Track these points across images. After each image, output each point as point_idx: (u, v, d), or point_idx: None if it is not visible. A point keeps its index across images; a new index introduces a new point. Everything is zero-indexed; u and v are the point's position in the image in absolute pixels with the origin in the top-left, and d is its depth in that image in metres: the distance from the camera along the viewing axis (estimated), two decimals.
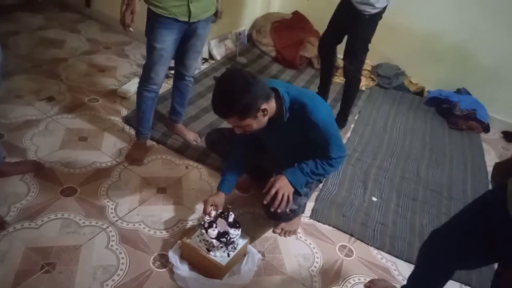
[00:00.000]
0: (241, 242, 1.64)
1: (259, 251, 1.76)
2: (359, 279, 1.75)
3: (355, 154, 2.57)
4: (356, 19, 2.37)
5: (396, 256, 1.90)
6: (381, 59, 3.59)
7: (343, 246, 1.91)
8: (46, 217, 1.74)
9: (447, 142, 2.95)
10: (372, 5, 2.30)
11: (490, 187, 1.32)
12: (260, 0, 3.91)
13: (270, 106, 1.51)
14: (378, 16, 2.40)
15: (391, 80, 3.48)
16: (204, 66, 3.32)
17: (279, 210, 1.58)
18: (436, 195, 2.36)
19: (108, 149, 2.21)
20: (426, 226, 2.10)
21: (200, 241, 1.59)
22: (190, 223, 1.87)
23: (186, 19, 1.84)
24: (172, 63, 2.12)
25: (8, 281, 1.45)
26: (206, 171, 2.21)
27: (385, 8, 2.40)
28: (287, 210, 1.62)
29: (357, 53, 2.54)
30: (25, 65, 2.81)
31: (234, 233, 1.57)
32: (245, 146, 1.81)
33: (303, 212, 1.91)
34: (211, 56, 3.47)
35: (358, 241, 1.95)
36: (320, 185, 2.19)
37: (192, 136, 2.37)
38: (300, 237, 1.91)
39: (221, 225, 1.58)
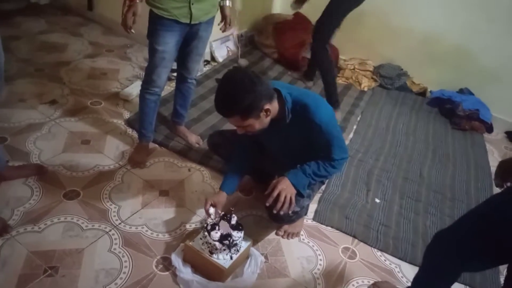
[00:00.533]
0: (244, 245, 1.64)
1: (262, 254, 1.76)
2: (362, 281, 1.75)
3: (357, 155, 2.56)
4: None
5: (399, 258, 1.89)
6: (383, 59, 3.58)
7: (346, 248, 1.90)
8: (49, 220, 1.74)
9: (450, 142, 2.93)
10: None
11: (494, 187, 1.31)
12: (261, 1, 3.91)
13: (273, 106, 1.50)
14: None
15: (393, 80, 3.47)
16: (206, 68, 3.32)
17: (281, 212, 1.57)
18: (440, 196, 2.34)
19: (110, 152, 2.22)
20: (429, 228, 2.09)
21: (202, 243, 1.59)
22: (192, 226, 1.86)
23: (188, 21, 1.84)
24: (174, 66, 2.12)
25: (11, 285, 1.46)
26: (208, 173, 2.21)
27: None
28: (290, 212, 1.61)
29: (321, 23, 2.69)
30: (27, 69, 2.82)
31: (237, 235, 1.57)
32: (247, 147, 1.81)
33: (306, 214, 1.91)
34: (213, 58, 3.47)
35: (362, 243, 1.94)
36: (323, 187, 2.19)
37: (194, 139, 2.37)
38: (303, 239, 1.91)
39: (224, 228, 1.58)
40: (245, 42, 3.83)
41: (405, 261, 1.88)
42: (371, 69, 3.56)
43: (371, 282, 1.74)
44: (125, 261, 1.62)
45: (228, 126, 2.48)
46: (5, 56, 1.63)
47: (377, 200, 2.21)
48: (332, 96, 2.82)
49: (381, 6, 3.38)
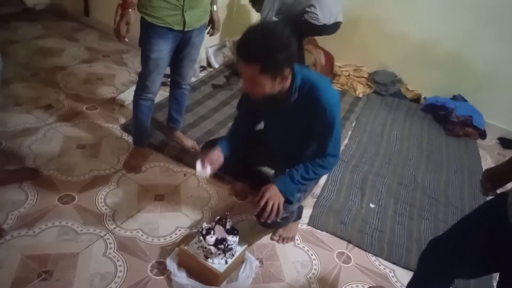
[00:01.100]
0: (239, 249, 1.64)
1: (257, 258, 1.76)
2: (357, 286, 1.75)
3: (352, 161, 2.58)
4: None
5: (394, 263, 1.90)
6: (377, 66, 3.62)
7: (341, 253, 1.91)
8: (44, 224, 1.74)
9: (444, 148, 2.96)
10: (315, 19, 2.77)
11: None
12: None
13: (288, 79, 1.44)
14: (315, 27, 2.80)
15: (388, 87, 3.50)
16: (202, 74, 3.34)
17: (269, 221, 1.57)
18: (434, 202, 2.36)
19: (106, 156, 2.22)
20: (424, 233, 2.11)
21: (198, 248, 1.59)
22: (188, 231, 1.86)
23: (181, 28, 1.85)
24: (168, 70, 2.13)
25: None
26: (204, 178, 2.22)
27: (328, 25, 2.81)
28: (278, 219, 1.61)
29: None
30: (24, 73, 2.82)
31: (232, 239, 1.58)
32: (246, 121, 1.79)
33: (299, 218, 1.92)
34: (209, 64, 3.49)
35: (356, 248, 1.95)
36: (318, 192, 2.20)
37: (190, 143, 2.37)
38: (298, 244, 1.91)
39: (219, 232, 1.59)
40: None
41: (400, 265, 1.89)
42: (366, 75, 3.60)
43: (366, 286, 1.75)
44: (120, 265, 1.62)
45: (223, 132, 2.50)
46: (2, 61, 1.64)
47: (372, 205, 2.22)
48: None
49: (377, 13, 3.43)
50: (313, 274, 1.77)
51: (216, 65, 3.51)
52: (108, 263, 1.62)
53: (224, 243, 1.55)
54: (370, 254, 1.93)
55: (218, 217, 1.67)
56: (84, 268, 1.58)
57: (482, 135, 3.18)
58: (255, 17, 3.94)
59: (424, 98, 3.51)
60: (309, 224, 2.03)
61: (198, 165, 1.60)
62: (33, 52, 3.13)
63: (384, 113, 3.26)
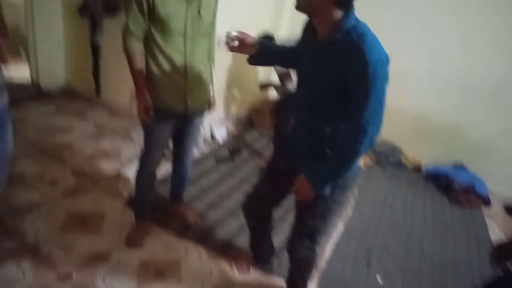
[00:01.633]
0: None
1: None
2: None
3: (356, 232, 2.54)
4: None
5: None
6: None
7: None
8: None
9: (448, 218, 2.92)
10: None
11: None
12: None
13: (337, 11, 1.28)
14: None
15: (388, 157, 3.56)
16: (205, 148, 3.42)
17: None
18: (441, 273, 2.28)
19: (108, 232, 2.20)
20: None
21: None
22: None
23: (184, 111, 1.92)
24: (170, 145, 2.19)
25: None
26: (206, 253, 2.17)
27: None
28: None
29: None
30: (31, 150, 2.91)
31: None
32: (286, 50, 1.64)
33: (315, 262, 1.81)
34: (212, 138, 3.60)
35: None
36: (324, 265, 2.13)
37: (193, 217, 2.36)
38: None
39: None
40: (244, 123, 4.01)
41: None
42: None
43: None
44: None
45: (228, 204, 2.51)
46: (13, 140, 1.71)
47: (379, 279, 2.14)
48: None
49: None
50: None
51: (220, 139, 3.62)
52: None
53: None
54: None
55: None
56: None
57: (486, 202, 3.15)
58: (258, 94, 4.16)
59: (425, 167, 3.54)
60: None
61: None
62: (42, 130, 3.26)
63: (386, 184, 3.27)
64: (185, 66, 1.84)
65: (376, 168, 3.52)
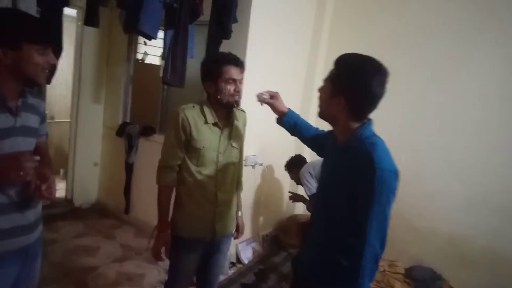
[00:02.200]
0: None
1: None
2: None
3: None
4: None
5: None
6: (413, 261, 3.48)
7: None
8: None
9: None
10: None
11: None
12: (285, 204, 4.15)
13: (352, 123, 1.35)
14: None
15: (428, 284, 3.27)
16: (231, 271, 3.27)
17: None
18: None
19: None
20: None
21: None
22: None
23: (212, 238, 1.89)
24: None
25: None
26: None
27: None
28: None
29: None
30: (56, 274, 2.86)
31: None
32: (317, 136, 1.76)
33: None
34: (238, 260, 3.47)
35: None
36: None
37: None
38: None
39: None
40: (270, 242, 3.89)
41: None
42: (402, 271, 3.42)
43: None
44: None
45: None
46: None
47: None
48: None
49: (401, 208, 3.49)
50: None
51: (246, 261, 3.48)
52: None
53: None
54: None
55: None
56: None
57: None
58: (284, 210, 4.11)
59: None
60: None
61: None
62: (69, 251, 3.25)
63: None
64: (216, 194, 1.86)
65: None
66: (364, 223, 1.22)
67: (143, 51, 4.51)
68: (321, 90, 1.42)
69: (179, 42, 2.70)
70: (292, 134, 1.83)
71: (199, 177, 1.82)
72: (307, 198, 3.09)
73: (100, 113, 4.24)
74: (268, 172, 3.64)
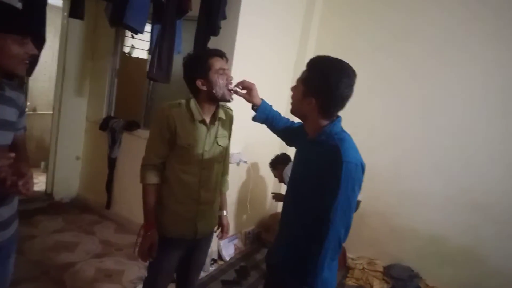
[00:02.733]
0: None
1: None
2: None
3: None
4: None
5: None
6: (392, 259, 3.54)
7: None
8: None
9: None
10: None
11: None
12: (268, 201, 4.16)
13: (321, 121, 1.45)
14: None
15: (405, 283, 3.33)
16: (212, 268, 3.27)
17: None
18: None
19: None
20: None
21: None
22: None
23: (193, 237, 1.88)
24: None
25: None
26: None
27: None
28: None
29: None
30: (34, 272, 2.80)
31: None
32: (289, 129, 1.82)
33: None
34: (220, 257, 3.47)
35: None
36: None
37: None
38: None
39: None
40: (252, 239, 3.90)
41: None
42: (381, 269, 3.49)
43: None
44: None
45: None
46: (16, 258, 1.63)
47: None
48: None
49: (383, 208, 3.57)
50: None
51: (227, 258, 3.48)
52: None
53: None
54: None
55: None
56: None
57: None
58: (266, 208, 4.13)
59: None
60: None
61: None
62: (48, 247, 3.19)
63: None
64: (199, 193, 1.84)
65: None
66: (330, 211, 1.32)
67: (130, 45, 4.45)
68: (294, 89, 1.52)
69: (166, 37, 2.67)
70: (265, 124, 1.90)
71: (182, 175, 1.80)
72: None
73: (84, 107, 4.17)
74: (252, 170, 3.65)
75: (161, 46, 2.67)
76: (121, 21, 2.44)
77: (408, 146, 3.54)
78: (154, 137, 1.79)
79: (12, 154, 1.21)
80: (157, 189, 1.82)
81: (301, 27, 3.97)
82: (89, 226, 3.69)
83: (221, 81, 1.74)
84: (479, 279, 3.20)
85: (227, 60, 1.81)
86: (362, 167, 1.37)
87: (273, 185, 4.10)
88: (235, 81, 1.81)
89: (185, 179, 1.81)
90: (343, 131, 1.46)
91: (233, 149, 3.18)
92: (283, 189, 3.47)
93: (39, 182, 4.37)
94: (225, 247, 3.53)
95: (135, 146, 3.61)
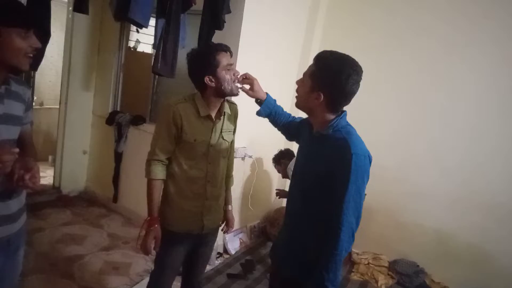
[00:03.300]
0: None
1: None
2: None
3: None
4: None
5: None
6: (397, 254, 3.54)
7: None
8: None
9: None
10: None
11: None
12: (273, 196, 4.17)
13: (328, 115, 1.46)
14: None
15: (411, 278, 3.33)
16: (218, 262, 3.30)
17: None
18: None
19: None
20: None
21: None
22: None
23: (200, 232, 1.89)
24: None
25: None
26: None
27: None
28: None
29: None
30: (42, 264, 2.84)
31: None
32: (291, 125, 1.85)
33: None
34: (225, 250, 3.49)
35: None
36: None
37: None
38: None
39: None
40: (258, 233, 3.91)
41: None
42: (386, 264, 3.48)
43: None
44: None
45: None
46: (25, 250, 1.66)
47: None
48: None
49: (388, 204, 3.55)
50: None
51: (233, 251, 3.50)
52: None
53: None
54: None
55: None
56: None
57: None
58: (271, 202, 4.14)
59: None
60: None
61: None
62: (56, 240, 3.23)
63: None
64: (205, 188, 1.85)
65: None
66: (342, 202, 1.35)
67: (135, 39, 4.45)
68: (300, 83, 1.52)
69: (170, 32, 2.67)
70: (268, 119, 1.91)
71: (189, 170, 1.81)
72: None
73: (90, 101, 4.19)
74: (257, 165, 3.65)
75: (165, 40, 2.67)
76: (126, 15, 2.44)
77: (414, 145, 3.51)
78: (160, 132, 1.79)
79: (16, 150, 1.22)
80: (162, 184, 1.83)
81: (306, 21, 3.94)
82: (97, 219, 3.73)
83: (228, 77, 1.75)
84: (486, 278, 3.18)
85: (231, 54, 1.81)
86: (370, 159, 1.41)
87: (278, 179, 4.10)
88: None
89: (192, 174, 1.81)
90: (348, 124, 1.48)
91: (239, 144, 3.20)
92: (288, 184, 3.47)
93: (47, 176, 4.43)
94: (230, 241, 3.55)
95: (141, 141, 3.63)
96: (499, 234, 3.10)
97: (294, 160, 3.12)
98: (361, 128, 1.47)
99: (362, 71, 1.41)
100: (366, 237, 3.63)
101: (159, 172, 1.80)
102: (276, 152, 3.51)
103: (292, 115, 1.91)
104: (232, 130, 1.96)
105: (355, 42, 3.66)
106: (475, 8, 3.21)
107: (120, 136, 3.87)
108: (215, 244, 2.90)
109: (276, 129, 1.91)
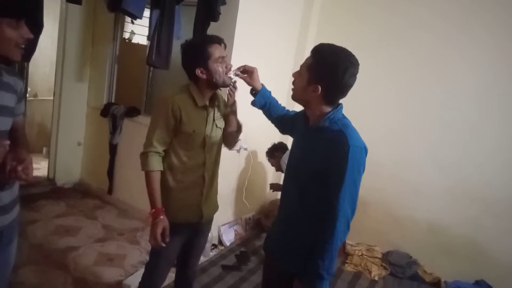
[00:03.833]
0: None
1: None
2: None
3: None
4: None
5: None
6: (390, 246, 3.57)
7: None
8: None
9: None
10: None
11: None
12: (268, 188, 4.18)
13: (324, 107, 1.47)
14: None
15: (404, 269, 3.37)
16: (213, 253, 3.31)
17: None
18: None
19: None
20: None
21: None
22: None
23: (198, 220, 1.90)
24: None
25: None
26: None
27: None
28: None
29: None
30: (36, 256, 2.85)
31: None
32: (285, 117, 1.84)
33: None
34: (220, 242, 3.51)
35: None
36: None
37: None
38: None
39: None
40: (252, 225, 3.93)
41: None
42: (380, 256, 3.52)
43: None
44: None
45: None
46: (18, 242, 1.65)
47: None
48: None
49: (382, 197, 3.58)
50: None
51: (228, 243, 3.52)
52: None
53: None
54: None
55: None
56: None
57: None
58: (266, 196, 4.15)
59: (445, 282, 3.32)
60: None
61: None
62: (50, 231, 3.23)
63: None
64: (204, 176, 1.87)
65: (392, 280, 3.32)
66: (338, 193, 1.37)
67: (130, 30, 4.41)
68: (297, 75, 1.52)
69: (164, 23, 2.65)
70: (262, 110, 1.92)
71: (187, 161, 1.81)
72: None
73: (84, 92, 4.16)
74: (252, 157, 3.66)
75: (160, 32, 2.65)
76: (120, 7, 2.42)
77: (409, 138, 3.53)
78: (157, 124, 1.77)
79: (7, 142, 1.21)
80: (159, 175, 1.81)
81: (301, 14, 3.92)
82: (91, 211, 3.73)
83: (220, 69, 1.75)
84: (478, 269, 3.23)
85: (225, 46, 1.80)
86: (366, 151, 1.44)
87: (272, 172, 4.11)
88: (234, 67, 1.82)
89: (190, 164, 1.82)
90: (344, 117, 1.50)
91: None
92: (281, 178, 3.48)
93: (41, 168, 4.41)
94: (225, 233, 3.57)
95: (136, 132, 3.61)
96: (490, 226, 3.14)
97: (287, 153, 3.13)
98: (358, 124, 1.47)
99: (358, 64, 1.42)
100: (361, 229, 3.63)
101: (157, 163, 1.79)
102: (269, 145, 3.51)
103: (287, 108, 1.91)
104: (223, 116, 1.96)
105: (350, 38, 3.63)
106: (472, 1, 3.21)
107: (114, 128, 3.86)
108: (210, 235, 2.91)
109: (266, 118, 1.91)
